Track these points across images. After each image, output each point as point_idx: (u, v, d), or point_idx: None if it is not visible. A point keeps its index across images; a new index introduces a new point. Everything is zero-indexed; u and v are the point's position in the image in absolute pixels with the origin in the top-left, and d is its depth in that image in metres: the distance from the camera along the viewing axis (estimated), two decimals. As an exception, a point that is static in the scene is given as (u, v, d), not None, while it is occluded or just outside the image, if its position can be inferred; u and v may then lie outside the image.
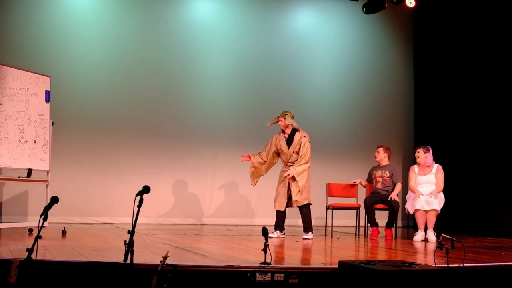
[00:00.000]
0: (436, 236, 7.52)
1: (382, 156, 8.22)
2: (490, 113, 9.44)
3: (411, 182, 7.94)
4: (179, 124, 9.99)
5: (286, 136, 7.62)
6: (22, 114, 7.14)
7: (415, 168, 8.03)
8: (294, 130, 7.61)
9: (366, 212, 8.04)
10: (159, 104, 9.91)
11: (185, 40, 10.15)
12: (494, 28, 9.47)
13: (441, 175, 7.89)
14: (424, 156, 7.92)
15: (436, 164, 7.98)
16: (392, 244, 7.14)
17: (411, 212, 7.86)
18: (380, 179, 8.11)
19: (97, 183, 9.39)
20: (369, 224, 8.05)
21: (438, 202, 7.70)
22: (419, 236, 7.68)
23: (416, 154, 8.03)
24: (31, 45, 9.17)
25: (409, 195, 7.95)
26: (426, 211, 7.67)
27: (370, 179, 8.33)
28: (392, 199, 7.84)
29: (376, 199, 8.06)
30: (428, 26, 10.91)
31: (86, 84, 9.47)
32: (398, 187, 8.06)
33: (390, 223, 8.00)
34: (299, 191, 7.43)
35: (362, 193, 8.53)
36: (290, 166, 7.54)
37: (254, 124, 10.36)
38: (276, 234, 7.59)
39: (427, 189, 7.77)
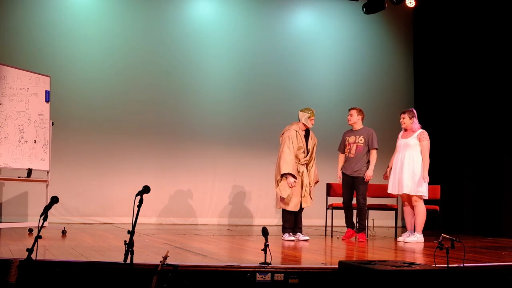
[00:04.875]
0: (421, 237, 7.23)
1: (355, 119, 7.53)
2: (490, 113, 9.44)
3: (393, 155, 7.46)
4: (179, 124, 9.98)
5: (304, 133, 7.36)
6: (22, 114, 7.14)
7: (400, 137, 7.42)
8: (307, 128, 7.43)
9: (344, 212, 7.54)
10: (159, 104, 9.90)
11: (185, 40, 10.15)
12: (493, 27, 9.47)
13: (426, 142, 7.17)
14: (410, 121, 7.29)
15: (421, 130, 7.27)
16: (391, 244, 7.14)
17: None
18: (354, 146, 7.42)
19: (97, 183, 9.39)
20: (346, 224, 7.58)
21: (411, 185, 7.02)
22: (404, 236, 7.34)
23: (401, 120, 7.38)
24: (31, 45, 9.16)
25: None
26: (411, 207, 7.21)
27: (343, 147, 7.62)
28: (367, 180, 7.27)
29: (350, 187, 7.45)
30: (428, 26, 10.91)
31: (86, 84, 9.47)
32: (373, 158, 7.33)
33: (361, 227, 7.35)
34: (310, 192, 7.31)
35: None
36: (303, 164, 7.27)
37: (254, 124, 10.37)
38: (297, 237, 7.19)
39: (405, 164, 7.13)
